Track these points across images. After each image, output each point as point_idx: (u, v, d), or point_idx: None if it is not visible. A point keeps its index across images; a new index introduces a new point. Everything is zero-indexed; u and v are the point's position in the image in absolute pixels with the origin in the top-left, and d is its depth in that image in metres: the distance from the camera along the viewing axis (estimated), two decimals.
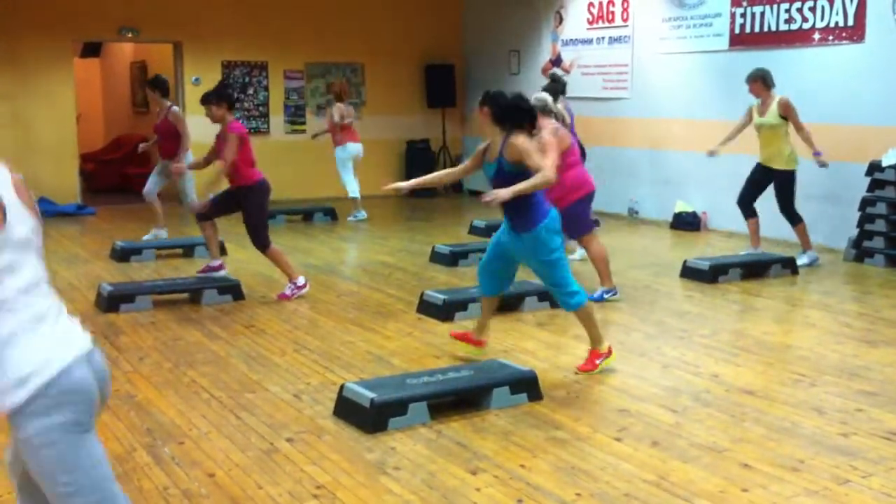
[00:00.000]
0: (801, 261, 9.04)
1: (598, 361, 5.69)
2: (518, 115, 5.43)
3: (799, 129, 8.82)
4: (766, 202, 9.19)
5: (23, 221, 2.52)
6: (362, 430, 4.67)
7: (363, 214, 12.48)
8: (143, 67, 16.72)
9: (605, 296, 7.54)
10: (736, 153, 9.95)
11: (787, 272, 8.72)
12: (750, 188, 9.22)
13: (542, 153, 5.60)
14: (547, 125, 6.97)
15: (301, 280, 7.81)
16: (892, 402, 5.15)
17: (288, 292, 7.74)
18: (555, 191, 7.07)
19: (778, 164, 8.95)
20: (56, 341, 2.54)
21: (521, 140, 5.33)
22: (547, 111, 7.31)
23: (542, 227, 5.40)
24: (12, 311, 2.47)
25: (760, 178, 9.14)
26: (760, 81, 8.92)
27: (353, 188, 12.42)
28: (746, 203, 9.25)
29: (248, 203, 7.73)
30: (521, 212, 5.41)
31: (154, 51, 15.88)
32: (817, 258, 9.19)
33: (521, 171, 5.29)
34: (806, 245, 9.19)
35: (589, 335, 5.74)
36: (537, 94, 7.58)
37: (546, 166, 5.36)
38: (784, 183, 8.99)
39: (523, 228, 5.44)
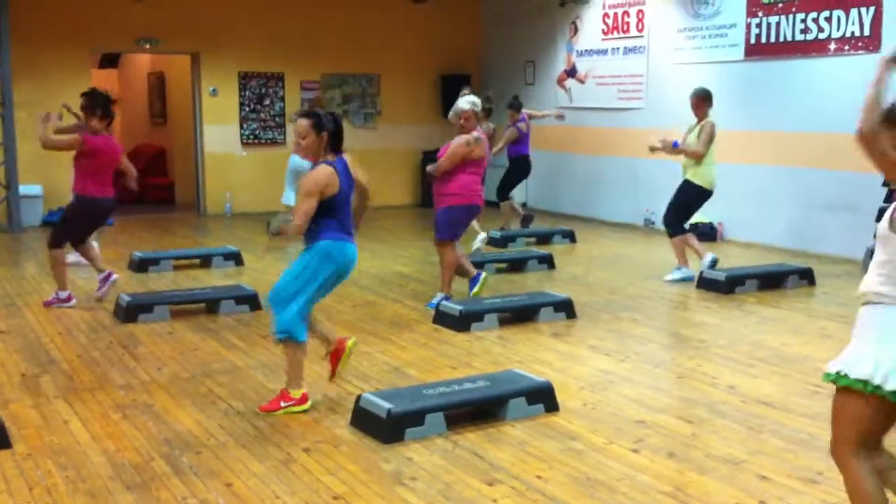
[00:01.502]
0: (672, 276, 8.94)
1: (282, 404, 5.20)
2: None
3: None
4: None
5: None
6: (379, 440, 4.68)
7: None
8: (161, 78, 16.84)
9: (445, 301, 7.43)
10: (753, 164, 9.97)
11: (805, 283, 8.68)
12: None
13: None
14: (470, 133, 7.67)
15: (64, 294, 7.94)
16: None
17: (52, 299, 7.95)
18: (437, 189, 7.84)
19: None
20: None
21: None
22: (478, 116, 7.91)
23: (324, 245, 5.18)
24: None
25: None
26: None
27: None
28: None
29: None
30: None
31: (171, 62, 15.99)
32: (691, 276, 8.87)
33: None
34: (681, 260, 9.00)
35: (287, 373, 5.28)
36: (471, 97, 8.03)
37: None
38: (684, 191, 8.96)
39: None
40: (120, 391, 5.57)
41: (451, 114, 7.98)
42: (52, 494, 4.07)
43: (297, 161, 11.47)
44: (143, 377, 5.86)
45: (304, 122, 5.13)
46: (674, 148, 8.88)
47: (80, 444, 4.69)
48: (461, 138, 7.72)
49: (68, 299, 7.91)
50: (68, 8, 13.19)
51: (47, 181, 13.21)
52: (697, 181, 8.82)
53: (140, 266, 9.48)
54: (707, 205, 11.75)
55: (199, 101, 14.12)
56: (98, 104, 7.75)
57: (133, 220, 13.70)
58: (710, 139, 8.70)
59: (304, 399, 5.24)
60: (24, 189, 12.90)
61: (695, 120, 8.90)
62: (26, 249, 11.12)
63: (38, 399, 5.42)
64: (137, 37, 13.69)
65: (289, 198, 11.54)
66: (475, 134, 7.72)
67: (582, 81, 13.68)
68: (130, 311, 7.33)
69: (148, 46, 13.92)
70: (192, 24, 13.86)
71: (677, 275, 8.93)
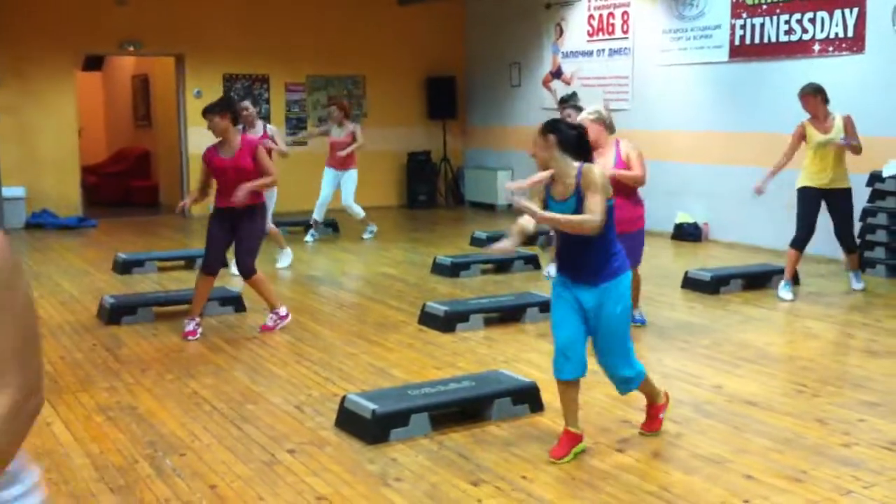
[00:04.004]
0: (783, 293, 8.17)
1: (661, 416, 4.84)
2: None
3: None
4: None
5: None
6: (364, 441, 4.67)
7: (374, 227, 12.16)
8: (145, 80, 16.78)
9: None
10: (737, 165, 9.99)
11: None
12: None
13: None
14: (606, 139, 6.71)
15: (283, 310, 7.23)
16: (894, 412, 5.14)
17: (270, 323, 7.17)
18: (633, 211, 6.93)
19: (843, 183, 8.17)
20: None
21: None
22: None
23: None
24: None
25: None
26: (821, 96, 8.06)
27: (360, 208, 11.89)
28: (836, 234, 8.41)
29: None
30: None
31: (156, 64, 15.93)
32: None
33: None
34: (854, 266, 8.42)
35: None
36: (597, 107, 6.94)
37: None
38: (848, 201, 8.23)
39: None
40: (103, 393, 5.54)
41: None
42: None
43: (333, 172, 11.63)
44: (126, 379, 5.83)
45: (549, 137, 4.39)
46: (845, 144, 7.92)
47: (63, 446, 4.66)
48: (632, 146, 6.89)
49: (287, 316, 7.21)
50: (51, 11, 13.13)
51: (30, 183, 13.16)
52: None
53: (124, 268, 9.44)
54: (693, 205, 11.86)
55: (184, 104, 14.08)
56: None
57: (117, 222, 13.65)
58: None
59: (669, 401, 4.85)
60: (7, 191, 12.84)
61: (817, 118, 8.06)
62: None
63: None
64: (121, 39, 13.64)
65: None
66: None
67: (567, 83, 13.69)
68: (114, 313, 7.29)
69: (132, 49, 13.87)
70: (176, 27, 13.81)
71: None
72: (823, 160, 8.01)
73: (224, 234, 6.95)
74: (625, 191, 6.56)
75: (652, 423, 4.81)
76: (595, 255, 4.38)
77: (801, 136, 8.07)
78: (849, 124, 8.00)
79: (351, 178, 11.61)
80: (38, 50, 13.10)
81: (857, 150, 7.98)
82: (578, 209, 4.30)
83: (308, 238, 11.70)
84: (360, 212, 11.85)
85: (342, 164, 11.57)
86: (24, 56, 13.04)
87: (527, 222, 4.45)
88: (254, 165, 6.82)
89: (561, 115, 9.93)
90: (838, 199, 8.14)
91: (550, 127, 4.43)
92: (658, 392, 4.80)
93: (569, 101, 9.65)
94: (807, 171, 8.14)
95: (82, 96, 15.43)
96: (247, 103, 9.48)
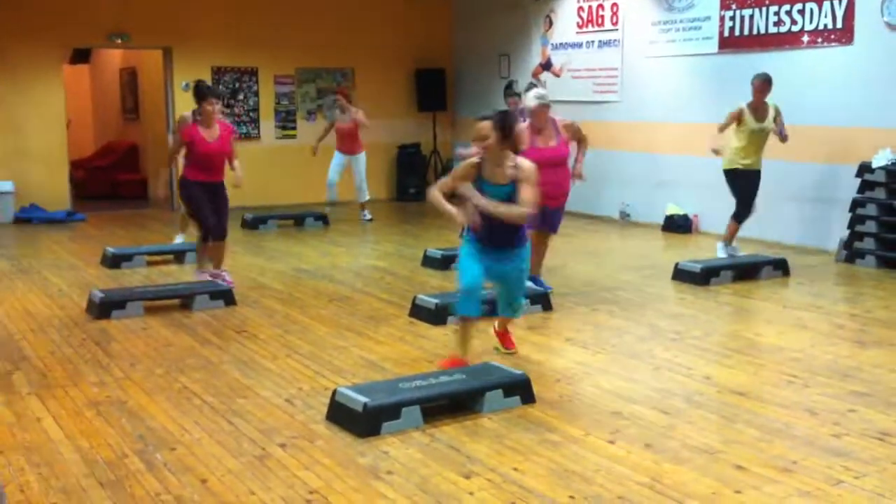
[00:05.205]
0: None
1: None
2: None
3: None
4: (759, 202, 9.17)
5: None
6: (355, 434, 4.66)
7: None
8: (133, 73, 16.71)
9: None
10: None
11: (779, 274, 8.74)
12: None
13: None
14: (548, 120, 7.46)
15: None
16: (885, 402, 5.16)
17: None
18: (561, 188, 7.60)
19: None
20: None
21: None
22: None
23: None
24: None
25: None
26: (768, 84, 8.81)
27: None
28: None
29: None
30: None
31: (144, 57, 15.86)
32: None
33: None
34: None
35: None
36: (538, 91, 7.62)
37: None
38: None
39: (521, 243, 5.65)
40: (93, 388, 5.51)
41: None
42: (25, 492, 4.02)
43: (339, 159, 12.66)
44: (116, 373, 5.81)
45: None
46: (781, 135, 8.87)
47: (53, 441, 4.64)
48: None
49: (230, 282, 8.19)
50: (38, 3, 13.03)
51: (18, 177, 13.08)
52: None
53: (113, 262, 9.39)
54: (683, 196, 11.87)
55: (172, 97, 14.01)
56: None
57: (106, 216, 13.59)
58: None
59: None
60: None
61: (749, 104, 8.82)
62: None
63: (11, 396, 5.36)
64: (109, 32, 13.56)
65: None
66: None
67: (557, 75, 13.68)
68: (103, 308, 7.26)
69: (119, 41, 13.79)
70: (163, 19, 13.74)
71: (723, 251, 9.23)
72: (754, 144, 8.86)
73: (210, 203, 8.14)
74: (555, 167, 7.38)
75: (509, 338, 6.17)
76: (514, 231, 5.48)
77: (738, 119, 8.85)
78: (779, 114, 8.84)
79: (361, 160, 12.69)
80: (25, 43, 13.01)
81: (786, 139, 8.89)
82: (513, 195, 5.29)
83: (365, 217, 12.84)
84: (366, 195, 12.85)
85: (351, 149, 12.58)
86: (11, 49, 12.95)
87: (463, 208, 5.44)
88: (229, 148, 8.19)
89: (507, 103, 10.20)
90: (757, 179, 9.02)
91: (496, 120, 5.30)
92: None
93: (511, 89, 10.07)
94: (737, 154, 8.92)
95: (70, 89, 15.34)
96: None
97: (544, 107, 7.43)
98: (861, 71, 9.58)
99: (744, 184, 8.96)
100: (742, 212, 9.04)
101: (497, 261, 5.54)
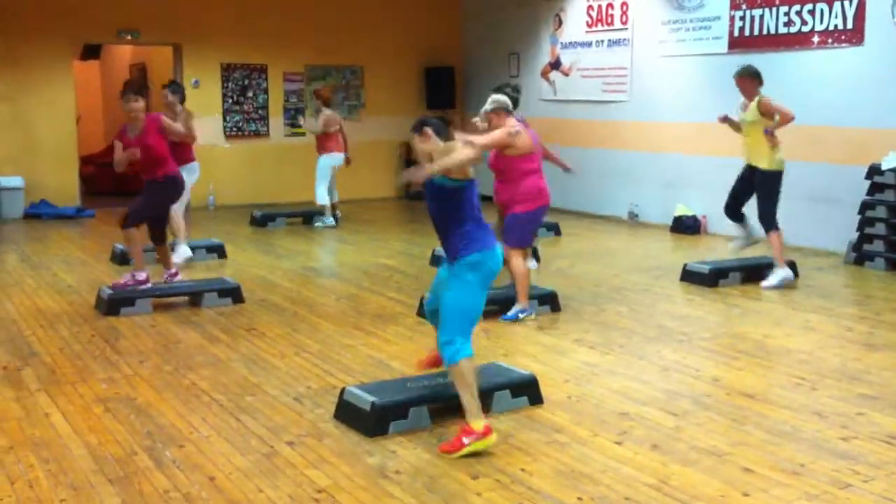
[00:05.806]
0: (769, 282, 8.33)
1: (465, 441, 4.41)
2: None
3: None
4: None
5: None
6: (363, 433, 4.67)
7: (331, 221, 12.16)
8: (143, 69, 16.74)
9: (520, 315, 7.14)
10: (736, 157, 9.91)
11: None
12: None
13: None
14: (506, 123, 7.10)
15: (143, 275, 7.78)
16: (893, 405, 5.15)
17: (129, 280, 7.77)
18: (504, 194, 7.24)
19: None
20: None
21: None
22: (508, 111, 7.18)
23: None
24: None
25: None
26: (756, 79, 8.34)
27: (324, 196, 12.10)
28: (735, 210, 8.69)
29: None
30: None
31: (154, 53, 15.89)
32: (792, 278, 8.45)
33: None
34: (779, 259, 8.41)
35: (462, 403, 4.52)
36: (494, 95, 7.27)
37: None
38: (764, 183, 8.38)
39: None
40: (102, 384, 5.53)
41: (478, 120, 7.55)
42: (34, 488, 4.04)
43: (328, 160, 12.03)
44: (125, 370, 5.83)
45: None
46: (767, 134, 8.23)
47: (62, 438, 4.65)
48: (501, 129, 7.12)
49: (146, 281, 7.77)
50: None
51: (28, 173, 13.12)
52: (775, 167, 8.31)
53: (122, 258, 9.41)
54: (691, 197, 11.84)
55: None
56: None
57: (115, 212, 13.60)
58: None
59: (486, 432, 4.42)
60: (4, 181, 12.82)
61: (743, 101, 8.47)
62: (7, 241, 11.03)
63: (20, 392, 5.38)
64: (119, 28, 13.59)
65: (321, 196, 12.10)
66: (514, 127, 7.10)
67: (566, 74, 13.68)
68: (112, 304, 7.28)
69: (129, 38, 13.83)
70: (173, 16, 13.76)
71: (775, 279, 8.32)
72: (743, 137, 8.54)
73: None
74: (516, 171, 7.15)
75: (452, 443, 4.48)
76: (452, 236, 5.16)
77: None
78: (763, 106, 8.27)
79: (320, 162, 12.08)
80: (36, 39, 13.05)
81: (772, 135, 8.30)
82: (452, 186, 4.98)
83: (318, 224, 12.16)
84: (321, 200, 12.09)
85: (318, 150, 12.15)
86: (22, 45, 12.98)
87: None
88: (150, 141, 8.06)
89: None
90: (754, 177, 8.45)
91: (421, 123, 5.11)
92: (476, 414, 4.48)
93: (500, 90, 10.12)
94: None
95: (80, 85, 15.36)
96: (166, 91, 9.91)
97: (496, 112, 7.14)
98: (871, 72, 9.56)
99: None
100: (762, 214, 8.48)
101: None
